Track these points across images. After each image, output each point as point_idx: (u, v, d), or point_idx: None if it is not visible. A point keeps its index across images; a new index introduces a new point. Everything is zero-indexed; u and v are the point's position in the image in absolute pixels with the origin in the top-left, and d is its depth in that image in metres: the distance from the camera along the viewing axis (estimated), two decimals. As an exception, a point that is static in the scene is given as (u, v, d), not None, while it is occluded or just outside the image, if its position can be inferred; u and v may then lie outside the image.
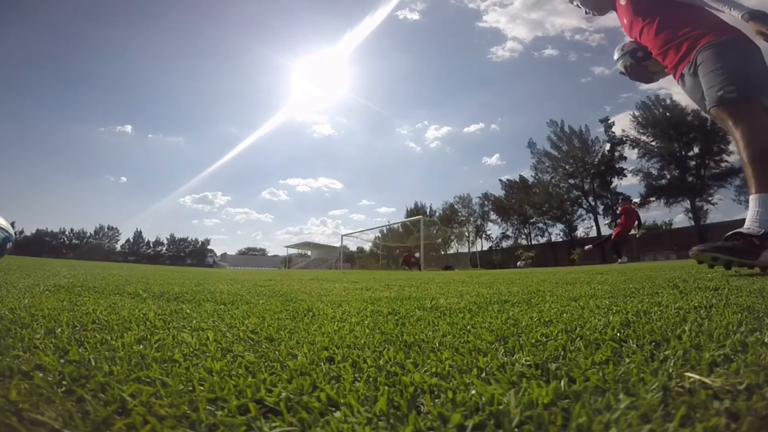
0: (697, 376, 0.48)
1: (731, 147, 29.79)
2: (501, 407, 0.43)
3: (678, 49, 2.15)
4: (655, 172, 33.53)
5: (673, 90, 33.07)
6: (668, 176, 32.80)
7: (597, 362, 0.58)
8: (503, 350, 0.68)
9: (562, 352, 0.65)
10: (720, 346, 0.62)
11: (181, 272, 5.36)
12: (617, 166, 35.32)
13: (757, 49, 1.99)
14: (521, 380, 0.51)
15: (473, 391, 0.48)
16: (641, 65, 2.48)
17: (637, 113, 34.28)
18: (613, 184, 35.48)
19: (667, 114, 32.70)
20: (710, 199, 31.03)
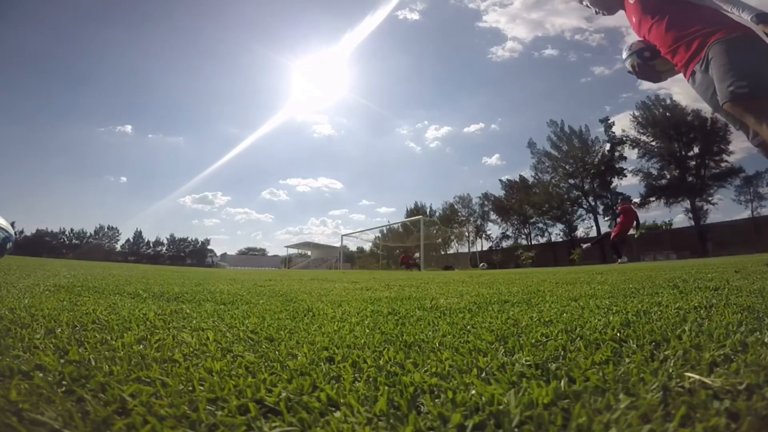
0: (697, 376, 0.48)
1: (731, 147, 29.81)
2: (501, 407, 0.43)
3: (688, 46, 2.15)
4: (655, 172, 33.51)
5: (673, 90, 33.08)
6: (668, 176, 32.77)
7: (597, 362, 0.58)
8: (503, 350, 0.68)
9: (562, 352, 0.65)
10: (720, 346, 0.62)
11: (181, 272, 5.36)
12: (617, 166, 35.28)
13: (767, 46, 1.99)
14: (521, 380, 0.51)
15: (473, 391, 0.48)
16: (648, 65, 2.48)
17: (637, 113, 34.26)
18: (613, 184, 35.46)
19: (667, 114, 32.67)
20: (710, 199, 31.01)
